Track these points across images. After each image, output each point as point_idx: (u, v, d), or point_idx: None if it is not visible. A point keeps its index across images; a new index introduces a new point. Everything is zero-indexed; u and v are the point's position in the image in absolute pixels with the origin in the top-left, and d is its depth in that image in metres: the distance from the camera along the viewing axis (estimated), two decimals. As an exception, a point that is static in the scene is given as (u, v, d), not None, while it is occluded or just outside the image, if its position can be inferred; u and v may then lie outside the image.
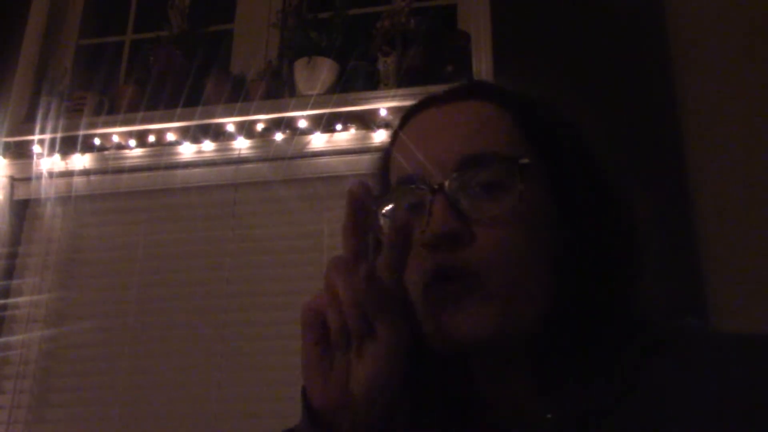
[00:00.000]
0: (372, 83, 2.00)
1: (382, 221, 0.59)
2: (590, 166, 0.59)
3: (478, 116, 0.59)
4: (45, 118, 2.12)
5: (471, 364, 0.60)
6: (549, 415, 0.53)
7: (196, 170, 2.07)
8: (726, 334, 0.51)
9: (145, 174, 2.10)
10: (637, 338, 0.53)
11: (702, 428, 0.45)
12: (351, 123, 1.97)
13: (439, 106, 0.62)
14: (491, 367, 0.58)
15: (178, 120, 2.05)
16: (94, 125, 2.10)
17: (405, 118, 0.64)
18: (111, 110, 2.15)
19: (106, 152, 2.12)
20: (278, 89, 2.07)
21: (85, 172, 2.12)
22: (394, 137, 0.64)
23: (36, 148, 2.12)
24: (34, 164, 2.13)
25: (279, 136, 2.01)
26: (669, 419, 0.47)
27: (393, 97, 1.92)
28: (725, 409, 0.45)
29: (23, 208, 2.16)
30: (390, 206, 0.59)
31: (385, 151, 0.65)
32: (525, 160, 0.55)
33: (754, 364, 0.47)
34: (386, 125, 1.95)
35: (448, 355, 0.57)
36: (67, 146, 2.12)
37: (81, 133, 2.09)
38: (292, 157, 2.00)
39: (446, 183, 0.55)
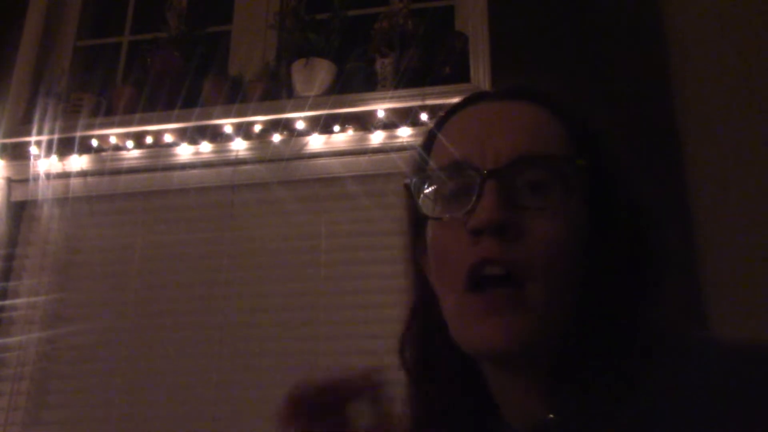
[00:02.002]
0: (370, 84, 2.00)
1: (422, 202, 0.59)
2: (626, 184, 0.60)
3: (535, 118, 0.59)
4: (42, 119, 2.11)
5: (483, 365, 0.60)
6: (551, 416, 0.54)
7: (194, 171, 2.07)
8: (729, 341, 0.51)
9: (143, 175, 2.10)
10: (642, 346, 0.53)
11: None
12: (349, 124, 1.97)
13: (495, 101, 0.62)
14: (505, 372, 0.58)
15: (176, 121, 2.05)
16: (91, 126, 2.09)
17: (455, 108, 0.64)
18: (108, 111, 2.14)
19: (103, 153, 2.12)
20: (276, 90, 2.06)
21: (83, 174, 2.12)
22: (441, 123, 0.64)
23: (33, 150, 2.12)
24: (31, 166, 2.12)
25: (277, 138, 2.01)
26: (667, 424, 0.47)
27: (391, 99, 1.92)
28: (723, 418, 0.45)
29: (20, 210, 2.16)
30: (433, 187, 0.59)
31: (429, 137, 0.65)
32: (579, 162, 0.56)
33: (755, 374, 0.47)
34: (384, 126, 1.95)
35: (470, 357, 0.58)
36: (64, 147, 2.11)
37: (78, 134, 2.09)
38: (289, 159, 2.00)
39: (500, 171, 0.55)
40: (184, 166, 2.07)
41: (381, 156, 1.94)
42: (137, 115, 2.07)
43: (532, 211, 0.54)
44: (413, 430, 0.65)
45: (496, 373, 0.60)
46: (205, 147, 2.06)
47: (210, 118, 2.03)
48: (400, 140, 1.93)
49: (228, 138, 2.04)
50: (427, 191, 0.59)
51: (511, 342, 0.52)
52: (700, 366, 0.49)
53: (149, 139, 2.08)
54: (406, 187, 0.61)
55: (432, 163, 0.61)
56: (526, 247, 0.53)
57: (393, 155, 1.92)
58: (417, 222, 0.63)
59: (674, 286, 0.60)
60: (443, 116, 0.65)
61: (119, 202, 2.11)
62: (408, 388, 0.65)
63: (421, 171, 0.61)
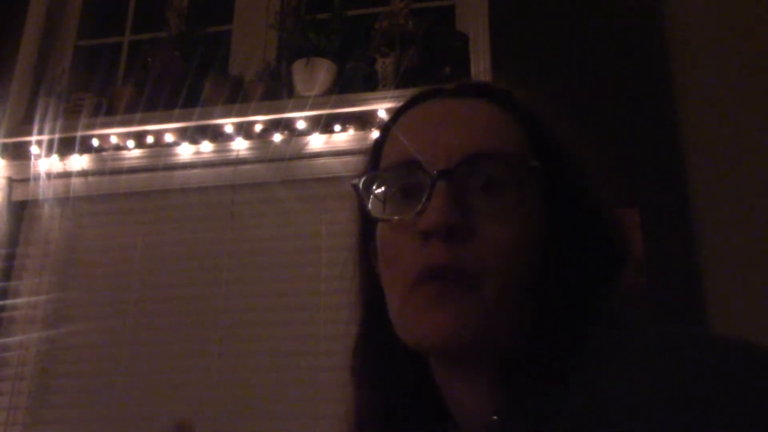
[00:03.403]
0: (370, 84, 2.00)
1: (371, 203, 0.58)
2: (586, 185, 0.58)
3: (489, 116, 0.58)
4: (43, 119, 2.11)
5: (432, 363, 0.59)
6: (494, 417, 0.53)
7: (195, 171, 2.07)
8: (675, 332, 0.49)
9: (144, 175, 2.10)
10: (591, 346, 0.51)
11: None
12: (349, 124, 1.97)
13: (449, 98, 0.61)
14: (453, 371, 0.57)
15: (177, 121, 2.05)
16: (92, 126, 2.10)
17: (410, 102, 0.63)
18: (109, 111, 2.15)
19: (104, 153, 2.12)
20: (276, 90, 2.06)
21: (83, 173, 2.12)
22: (394, 119, 0.63)
23: (34, 149, 2.12)
24: (32, 165, 2.13)
25: (277, 137, 2.01)
26: (608, 422, 0.46)
27: (391, 98, 1.92)
28: (667, 412, 0.44)
29: (21, 209, 2.16)
30: (382, 188, 0.58)
31: (381, 134, 0.63)
32: (534, 163, 0.54)
33: (697, 363, 0.45)
34: (384, 126, 1.95)
35: (417, 352, 0.56)
36: (65, 147, 2.11)
37: (79, 134, 2.09)
38: (290, 158, 2.00)
39: (451, 172, 0.53)
40: (185, 166, 2.08)
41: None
42: (138, 115, 2.08)
43: (484, 212, 0.52)
44: None
45: (444, 375, 0.58)
46: (206, 147, 2.06)
47: (211, 117, 2.03)
48: (400, 140, 1.93)
49: (229, 138, 2.04)
50: (377, 192, 0.58)
51: (461, 332, 0.51)
52: (650, 366, 0.46)
53: (150, 139, 2.09)
54: (354, 187, 0.60)
55: (383, 162, 0.60)
56: (477, 248, 0.52)
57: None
58: (367, 223, 0.62)
59: (674, 285, 0.60)
60: (396, 112, 0.64)
61: (120, 202, 2.11)
62: (354, 392, 0.64)
63: (371, 170, 0.60)
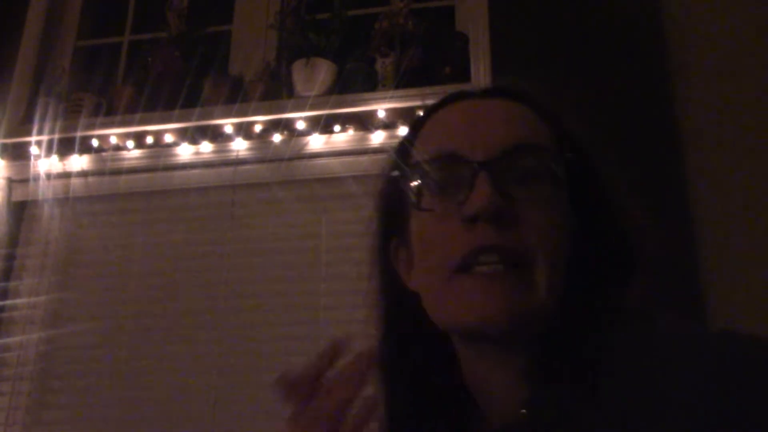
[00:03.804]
0: (370, 84, 2.00)
1: (411, 196, 0.59)
2: (604, 181, 0.61)
3: (520, 113, 0.60)
4: (43, 119, 2.11)
5: (462, 353, 0.60)
6: (523, 411, 0.54)
7: (194, 171, 2.07)
8: (715, 333, 0.51)
9: (143, 175, 2.10)
10: (621, 340, 0.53)
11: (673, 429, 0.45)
12: (349, 124, 1.97)
13: (482, 98, 0.63)
14: (487, 355, 0.58)
15: (176, 121, 2.05)
16: (91, 126, 2.09)
17: (438, 105, 0.65)
18: (109, 111, 2.14)
19: (103, 153, 2.12)
20: (276, 90, 2.06)
21: (83, 174, 2.12)
22: (424, 119, 0.65)
23: (33, 150, 2.12)
24: (31, 166, 2.12)
25: (277, 138, 2.01)
26: (637, 419, 0.47)
27: (391, 99, 1.92)
28: (699, 414, 0.45)
29: (21, 210, 2.16)
30: (419, 181, 0.59)
31: (412, 132, 0.65)
32: (569, 155, 0.57)
33: (724, 361, 0.46)
34: (385, 126, 1.95)
35: (461, 334, 0.58)
36: (64, 147, 2.11)
37: (79, 134, 2.09)
38: (290, 159, 2.00)
39: (493, 163, 0.55)
40: (185, 166, 2.07)
41: (382, 156, 1.93)
42: (138, 115, 2.07)
43: (523, 201, 0.55)
44: (388, 428, 0.65)
45: (475, 365, 0.59)
46: (206, 147, 2.06)
47: (210, 118, 2.03)
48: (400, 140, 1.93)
49: (228, 138, 2.04)
50: (413, 185, 0.59)
51: (508, 313, 0.52)
52: (675, 361, 0.48)
53: (150, 139, 2.08)
54: (392, 179, 0.62)
55: (419, 157, 0.61)
56: (520, 235, 0.54)
57: (393, 155, 1.92)
58: (395, 215, 0.63)
59: (674, 285, 0.61)
60: (425, 113, 0.66)
61: (120, 202, 2.11)
62: (383, 389, 0.65)
63: (407, 164, 0.62)
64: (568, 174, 0.57)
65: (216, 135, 2.05)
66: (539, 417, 0.53)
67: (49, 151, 2.11)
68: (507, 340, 0.56)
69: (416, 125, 0.65)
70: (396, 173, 0.62)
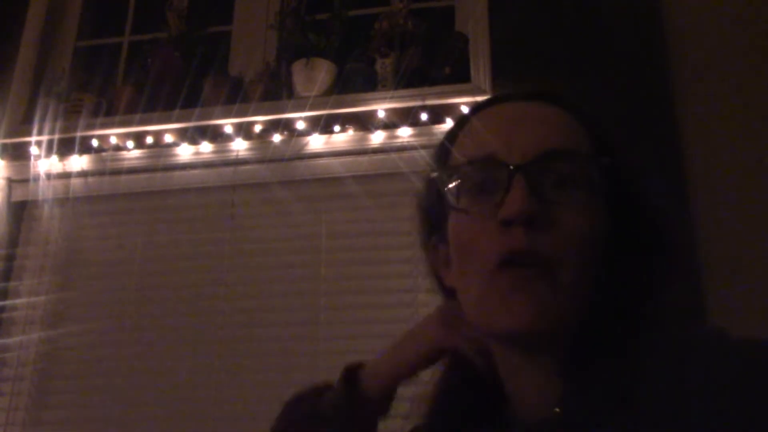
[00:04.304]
0: (370, 84, 2.00)
1: (449, 196, 0.61)
2: (640, 186, 0.62)
3: (559, 117, 0.61)
4: (43, 119, 2.11)
5: (497, 353, 0.62)
6: (557, 410, 0.54)
7: (194, 172, 2.07)
8: (740, 339, 0.51)
9: (143, 175, 2.10)
10: (652, 342, 0.54)
11: None
12: (349, 124, 1.97)
13: (522, 101, 0.63)
14: (519, 357, 0.59)
15: (176, 121, 2.05)
16: (91, 127, 2.10)
17: (481, 106, 0.66)
18: (109, 112, 2.14)
19: (103, 154, 2.12)
20: (276, 90, 2.06)
21: (83, 174, 2.12)
22: (463, 122, 0.66)
23: (33, 150, 2.12)
24: (31, 166, 2.13)
25: (277, 138, 2.01)
26: (671, 421, 0.47)
27: (391, 99, 1.92)
28: (728, 417, 0.45)
29: (21, 210, 2.16)
30: (457, 182, 0.60)
31: (451, 134, 0.66)
32: (605, 160, 0.58)
33: (759, 370, 0.47)
34: (384, 126, 1.95)
35: (495, 339, 0.59)
36: (64, 148, 2.11)
37: (79, 134, 2.09)
38: (290, 159, 2.00)
39: (528, 166, 0.56)
40: (185, 167, 2.07)
41: (381, 156, 1.94)
42: (137, 116, 2.07)
43: (559, 205, 0.55)
44: (424, 423, 0.67)
45: (510, 365, 0.60)
46: (206, 147, 2.06)
47: (210, 118, 2.03)
48: (400, 140, 1.93)
49: (228, 138, 2.04)
50: (450, 186, 0.60)
51: (539, 318, 0.53)
52: (707, 364, 0.49)
53: (150, 140, 2.09)
54: (430, 180, 0.63)
55: (456, 160, 0.62)
56: (554, 239, 0.54)
57: (393, 155, 1.92)
58: (435, 214, 0.64)
59: (674, 285, 0.61)
60: (465, 115, 0.67)
61: (120, 203, 2.11)
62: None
63: (445, 165, 0.63)
64: (605, 179, 0.58)
65: (216, 135, 2.05)
66: (573, 415, 0.54)
67: (49, 151, 2.11)
68: (537, 341, 0.57)
69: (457, 125, 0.67)
70: (435, 174, 0.63)
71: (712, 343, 0.52)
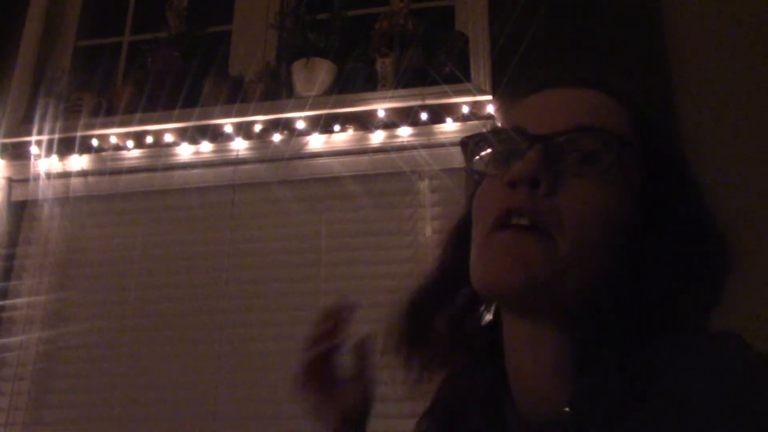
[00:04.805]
0: (370, 84, 2.00)
1: (476, 162, 0.62)
2: (685, 176, 0.62)
3: (596, 100, 0.61)
4: (43, 119, 2.11)
5: (506, 342, 0.60)
6: (567, 409, 0.53)
7: (194, 171, 2.07)
8: (763, 350, 0.50)
9: (143, 175, 2.10)
10: (662, 339, 0.52)
11: None
12: (349, 124, 1.97)
13: (563, 88, 0.64)
14: (525, 342, 0.58)
15: (176, 121, 2.05)
16: (91, 126, 2.10)
17: (536, 88, 0.66)
18: (109, 111, 2.15)
19: (103, 153, 2.12)
20: (276, 90, 2.06)
21: (83, 173, 2.12)
22: (512, 106, 0.66)
23: (33, 149, 2.12)
24: (31, 165, 2.13)
25: (277, 137, 2.01)
26: (683, 426, 0.47)
27: (391, 98, 1.92)
28: (742, 419, 0.45)
29: (21, 210, 2.16)
30: (488, 150, 0.61)
31: (507, 117, 0.67)
32: (628, 139, 0.57)
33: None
34: (384, 126, 1.95)
35: (491, 301, 0.60)
36: (64, 147, 2.11)
37: (79, 134, 2.09)
38: (290, 158, 2.00)
39: (549, 138, 0.56)
40: (185, 166, 2.07)
41: (381, 156, 1.94)
42: (137, 115, 2.08)
43: (572, 176, 0.55)
44: (428, 418, 0.67)
45: (516, 350, 0.59)
46: (206, 147, 2.06)
47: (210, 117, 2.03)
48: (400, 140, 1.93)
49: (228, 138, 2.04)
50: (483, 153, 0.61)
51: (524, 277, 0.52)
52: (723, 369, 0.48)
53: (149, 139, 2.09)
54: (462, 144, 0.63)
55: (509, 120, 0.63)
56: (556, 205, 0.54)
57: (393, 155, 1.92)
58: (474, 181, 0.65)
59: (709, 294, 0.60)
60: (520, 98, 0.68)
61: (120, 202, 2.11)
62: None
63: (480, 133, 0.64)
64: (638, 162, 0.57)
65: (216, 135, 2.05)
66: (583, 416, 0.52)
67: (49, 151, 2.11)
68: (529, 306, 0.56)
69: (513, 110, 0.68)
70: (466, 140, 0.63)
71: (729, 348, 0.50)
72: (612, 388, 0.51)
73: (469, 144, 0.62)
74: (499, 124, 0.70)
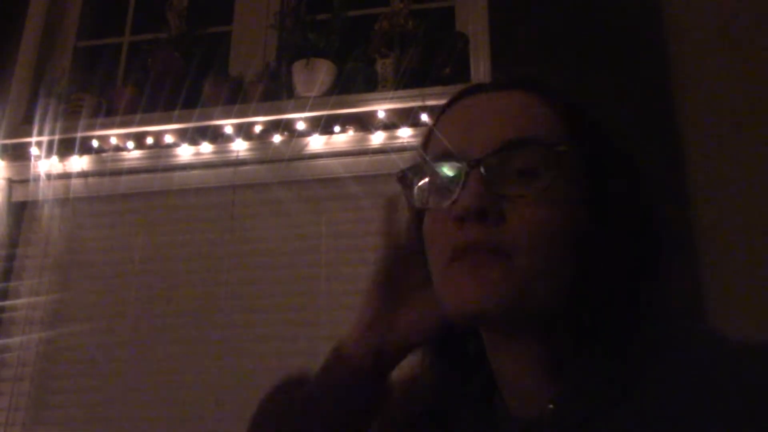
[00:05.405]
0: (370, 85, 2.00)
1: (417, 196, 0.61)
2: (625, 168, 0.61)
3: (523, 105, 0.60)
4: (43, 119, 2.11)
5: (486, 345, 0.61)
6: (551, 406, 0.54)
7: (195, 172, 2.07)
8: (736, 339, 0.51)
9: (143, 176, 2.10)
10: (643, 336, 0.54)
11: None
12: (349, 125, 1.97)
13: (485, 93, 0.63)
14: (504, 347, 0.59)
15: (176, 122, 2.05)
16: (92, 127, 2.10)
17: (451, 101, 0.66)
18: (109, 112, 2.15)
19: (104, 154, 2.12)
20: (276, 91, 2.06)
21: (83, 174, 2.12)
22: (438, 118, 0.66)
23: (34, 150, 2.12)
24: (31, 166, 2.13)
25: (277, 138, 2.01)
26: (667, 421, 0.48)
27: (391, 99, 1.92)
28: (726, 417, 0.45)
29: (21, 210, 2.16)
30: (425, 180, 0.61)
31: (428, 131, 0.66)
32: (562, 148, 0.56)
33: (757, 372, 0.47)
34: (385, 127, 1.95)
35: (464, 328, 0.59)
36: (64, 148, 2.11)
37: (79, 135, 2.09)
38: (290, 159, 2.00)
39: (483, 160, 0.56)
40: (185, 167, 2.07)
41: (381, 157, 1.94)
42: (138, 116, 2.07)
43: (516, 196, 0.55)
44: (416, 419, 0.67)
45: (497, 354, 0.60)
46: (206, 148, 2.06)
47: (210, 118, 2.03)
48: (400, 141, 1.93)
49: (228, 139, 2.04)
50: (420, 184, 0.61)
51: (490, 298, 0.53)
52: (705, 364, 0.49)
53: (150, 140, 2.09)
54: (401, 179, 0.63)
55: (433, 147, 0.62)
56: (508, 230, 0.54)
57: (393, 156, 1.92)
58: (416, 215, 0.65)
59: (674, 279, 0.61)
60: (440, 111, 0.67)
61: (120, 203, 2.11)
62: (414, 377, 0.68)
63: (415, 164, 0.63)
64: (576, 164, 0.56)
65: (216, 136, 2.05)
66: (567, 412, 0.53)
67: (49, 152, 2.11)
68: (507, 328, 0.57)
69: (434, 121, 0.67)
70: (403, 174, 0.63)
71: (711, 343, 0.52)
72: (594, 385, 0.53)
73: (407, 176, 0.62)
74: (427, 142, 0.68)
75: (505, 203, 0.54)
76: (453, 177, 0.57)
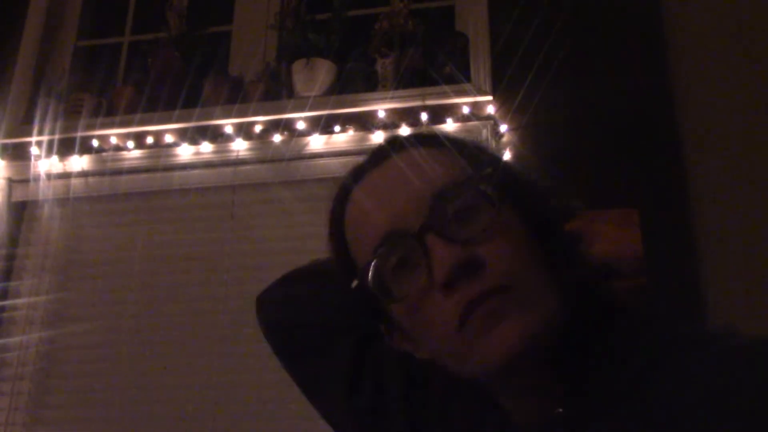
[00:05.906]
0: (370, 84, 2.00)
1: (378, 294, 0.58)
2: (532, 185, 0.63)
3: (435, 157, 0.60)
4: (43, 119, 2.11)
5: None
6: (560, 410, 0.54)
7: (195, 172, 2.07)
8: (736, 339, 0.51)
9: (143, 175, 2.10)
10: (645, 336, 0.54)
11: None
12: (349, 124, 1.97)
13: (389, 159, 0.62)
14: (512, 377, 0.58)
15: (177, 121, 2.05)
16: (92, 127, 2.10)
17: (346, 190, 0.65)
18: (109, 112, 2.15)
19: (104, 154, 2.12)
20: (276, 91, 2.06)
21: (83, 174, 2.12)
22: (341, 210, 0.65)
23: (34, 150, 2.12)
24: (31, 166, 2.13)
25: (277, 138, 2.01)
26: (671, 422, 0.48)
27: (391, 99, 1.92)
28: (728, 415, 0.45)
29: (21, 210, 2.16)
30: (377, 279, 0.57)
31: (336, 231, 0.65)
32: (490, 172, 0.57)
33: (759, 370, 0.47)
34: (385, 126, 1.95)
35: (490, 376, 0.56)
36: (65, 148, 2.11)
37: (79, 134, 2.09)
38: (290, 159, 2.00)
39: (429, 222, 0.54)
40: (185, 167, 2.07)
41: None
42: (138, 116, 2.08)
43: (476, 238, 0.54)
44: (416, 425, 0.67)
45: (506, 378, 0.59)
46: (206, 147, 2.06)
47: (210, 118, 2.03)
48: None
49: (228, 138, 2.04)
50: (371, 275, 0.57)
51: (525, 339, 0.52)
52: (709, 363, 0.49)
53: (150, 140, 2.09)
54: (358, 288, 0.59)
55: (355, 242, 0.61)
56: (493, 265, 0.53)
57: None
58: (373, 311, 0.62)
59: (674, 285, 0.61)
60: (336, 204, 0.66)
61: (120, 203, 2.11)
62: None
63: (355, 268, 0.60)
64: (500, 189, 0.56)
65: (216, 135, 2.05)
66: (577, 415, 0.53)
67: (49, 152, 2.11)
68: (530, 361, 0.55)
69: (335, 218, 0.66)
70: (355, 284, 0.59)
71: (719, 342, 0.51)
72: (602, 387, 0.53)
73: (359, 285, 0.58)
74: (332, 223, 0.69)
75: (471, 246, 0.53)
76: (410, 254, 0.55)
